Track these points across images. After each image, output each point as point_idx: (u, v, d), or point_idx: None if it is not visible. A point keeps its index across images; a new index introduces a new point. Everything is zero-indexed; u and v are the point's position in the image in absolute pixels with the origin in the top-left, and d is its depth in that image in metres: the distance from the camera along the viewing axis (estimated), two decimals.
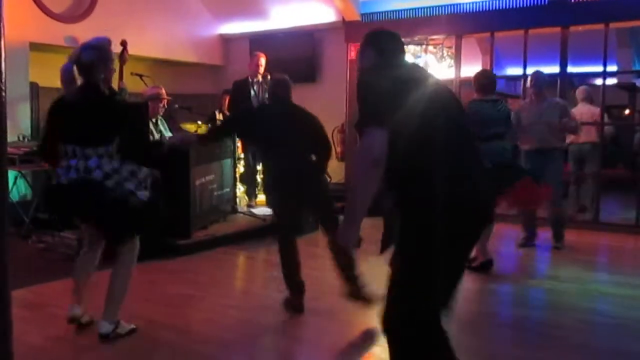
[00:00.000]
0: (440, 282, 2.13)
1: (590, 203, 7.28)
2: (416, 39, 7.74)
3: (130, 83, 6.51)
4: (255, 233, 6.13)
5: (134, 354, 3.22)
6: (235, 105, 6.95)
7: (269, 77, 7.07)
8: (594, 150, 7.20)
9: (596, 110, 7.28)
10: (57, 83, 3.26)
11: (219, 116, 7.61)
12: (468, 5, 7.35)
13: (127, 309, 3.91)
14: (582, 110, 7.26)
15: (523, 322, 3.85)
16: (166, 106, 5.92)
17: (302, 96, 3.41)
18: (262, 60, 7.16)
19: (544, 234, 5.92)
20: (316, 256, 5.53)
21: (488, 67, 6.92)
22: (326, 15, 8.23)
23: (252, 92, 7.08)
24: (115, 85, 6.48)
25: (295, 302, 3.83)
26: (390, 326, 2.14)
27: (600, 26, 6.68)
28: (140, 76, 6.41)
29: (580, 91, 7.53)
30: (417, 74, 2.34)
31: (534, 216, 5.85)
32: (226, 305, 4.04)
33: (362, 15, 8.03)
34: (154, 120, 5.79)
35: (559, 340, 3.50)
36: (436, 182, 2.12)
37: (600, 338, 3.59)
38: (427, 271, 2.11)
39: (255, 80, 7.12)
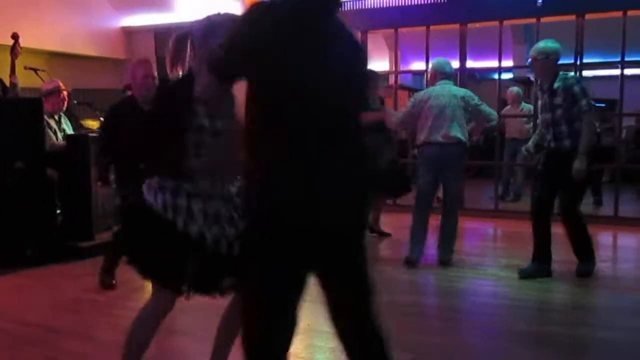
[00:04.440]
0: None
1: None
2: None
3: (25, 77, 6.16)
4: None
5: None
6: None
7: None
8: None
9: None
10: None
11: None
12: (372, 1, 7.50)
13: (26, 317, 3.73)
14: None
15: (424, 308, 3.99)
16: (67, 100, 5.60)
17: None
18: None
19: None
20: None
21: (394, 62, 7.10)
22: (232, 6, 8.14)
23: None
24: (6, 80, 6.15)
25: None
26: None
27: (496, 23, 7.01)
28: (35, 70, 6.05)
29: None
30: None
31: None
32: (130, 308, 3.92)
33: None
34: (56, 117, 5.47)
35: (460, 324, 3.67)
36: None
37: (499, 319, 3.78)
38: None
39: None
